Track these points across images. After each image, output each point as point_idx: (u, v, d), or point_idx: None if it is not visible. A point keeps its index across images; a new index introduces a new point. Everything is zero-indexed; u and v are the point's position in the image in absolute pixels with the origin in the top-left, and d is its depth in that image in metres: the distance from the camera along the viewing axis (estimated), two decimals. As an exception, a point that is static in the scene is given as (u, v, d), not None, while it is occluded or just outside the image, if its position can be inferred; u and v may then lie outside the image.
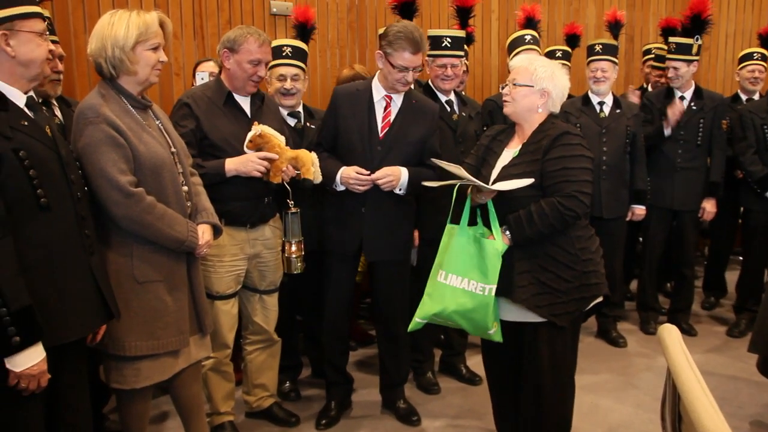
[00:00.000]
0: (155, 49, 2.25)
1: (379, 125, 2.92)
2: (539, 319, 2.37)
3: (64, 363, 2.00)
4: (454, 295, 2.36)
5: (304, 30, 3.59)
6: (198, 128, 2.71)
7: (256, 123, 2.74)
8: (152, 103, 2.38)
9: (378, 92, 2.94)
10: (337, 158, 2.90)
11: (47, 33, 1.99)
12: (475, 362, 3.70)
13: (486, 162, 2.55)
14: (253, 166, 2.70)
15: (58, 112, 2.75)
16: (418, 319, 2.45)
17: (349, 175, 2.84)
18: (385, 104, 2.94)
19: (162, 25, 2.28)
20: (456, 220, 2.46)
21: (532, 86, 2.43)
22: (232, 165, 2.70)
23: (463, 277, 2.36)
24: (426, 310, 2.41)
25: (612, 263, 4.06)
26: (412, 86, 3.65)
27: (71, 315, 1.96)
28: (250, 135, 2.72)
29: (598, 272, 2.43)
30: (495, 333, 2.42)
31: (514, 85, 2.46)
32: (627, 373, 3.74)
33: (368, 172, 2.85)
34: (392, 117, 2.93)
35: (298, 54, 3.34)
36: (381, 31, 3.65)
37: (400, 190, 2.90)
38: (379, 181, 2.84)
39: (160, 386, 2.45)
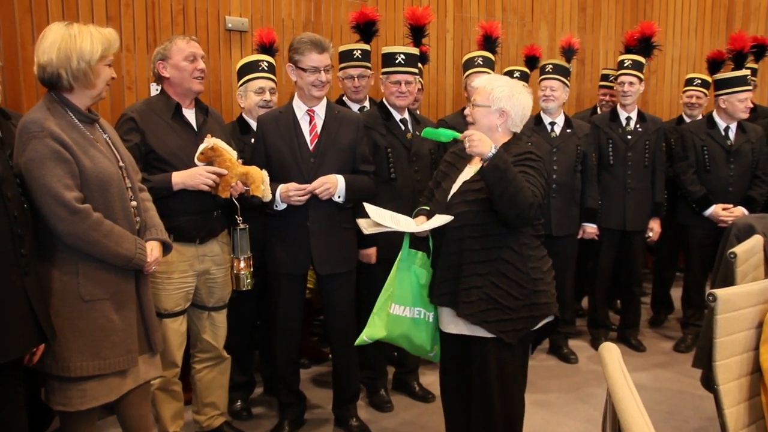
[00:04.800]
0: (110, 65, 2.27)
1: (308, 138, 2.98)
2: (488, 335, 2.40)
3: None
4: (397, 322, 2.51)
5: (269, 50, 3.63)
6: (143, 142, 2.68)
7: (209, 135, 2.73)
8: (99, 116, 2.35)
9: (300, 109, 3.01)
10: (273, 179, 2.91)
11: None
12: (428, 380, 3.71)
13: (448, 176, 2.59)
14: (201, 179, 2.68)
15: None
16: (365, 338, 2.55)
17: (288, 188, 2.88)
18: (309, 118, 3.01)
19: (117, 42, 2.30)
20: (412, 247, 2.59)
21: (489, 106, 2.47)
22: (179, 178, 2.68)
23: (406, 306, 2.52)
24: (373, 332, 2.53)
25: (563, 281, 4.13)
26: (367, 105, 3.73)
27: (1, 336, 1.90)
28: (201, 147, 2.70)
29: (548, 292, 2.45)
30: (435, 355, 2.62)
31: (474, 105, 2.50)
32: (577, 389, 3.79)
33: (305, 186, 2.88)
34: (319, 128, 3.00)
35: (272, 69, 3.48)
36: (340, 48, 3.74)
37: (339, 197, 2.95)
38: (317, 190, 2.88)
39: (106, 406, 2.39)
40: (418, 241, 2.59)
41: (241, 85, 3.45)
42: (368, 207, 2.52)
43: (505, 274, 2.38)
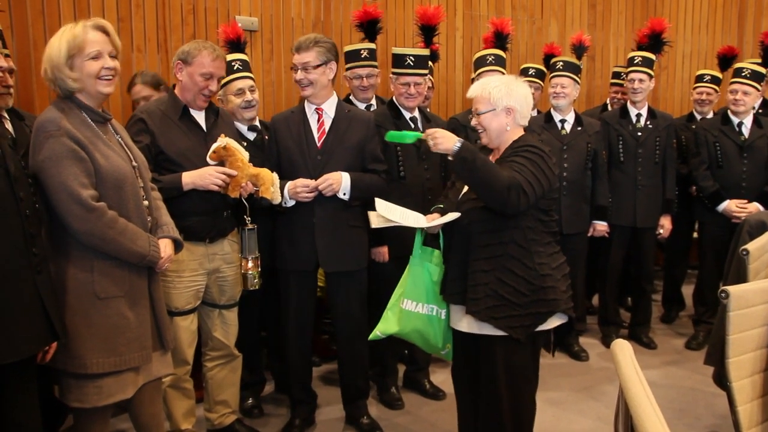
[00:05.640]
0: (96, 57, 2.19)
1: (316, 135, 3.01)
2: (496, 332, 2.39)
3: (7, 381, 1.97)
4: (409, 318, 2.56)
5: (237, 45, 3.60)
6: (153, 143, 2.69)
7: (222, 135, 2.74)
8: (111, 116, 2.36)
9: (309, 108, 3.04)
10: (283, 177, 2.94)
11: None
12: (439, 377, 3.72)
13: None
14: (211, 180, 2.69)
15: (9, 126, 2.69)
16: (378, 332, 2.61)
17: (296, 184, 2.90)
18: (318, 116, 3.02)
19: (104, 30, 2.23)
20: (427, 244, 2.63)
21: (494, 109, 2.46)
22: (189, 178, 2.69)
23: (418, 302, 2.56)
24: (387, 327, 2.61)
25: (573, 278, 4.09)
26: (374, 103, 3.73)
27: (12, 336, 1.93)
28: (214, 146, 2.72)
29: (556, 289, 2.42)
30: (447, 353, 2.65)
31: (478, 114, 2.50)
32: (588, 387, 3.78)
33: (309, 182, 2.90)
34: (327, 126, 3.02)
35: (246, 66, 3.40)
36: (346, 48, 3.74)
37: (344, 194, 2.95)
38: (321, 187, 2.89)
39: (119, 404, 2.40)
40: (430, 238, 2.61)
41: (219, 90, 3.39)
42: (378, 202, 2.56)
43: (511, 269, 2.37)
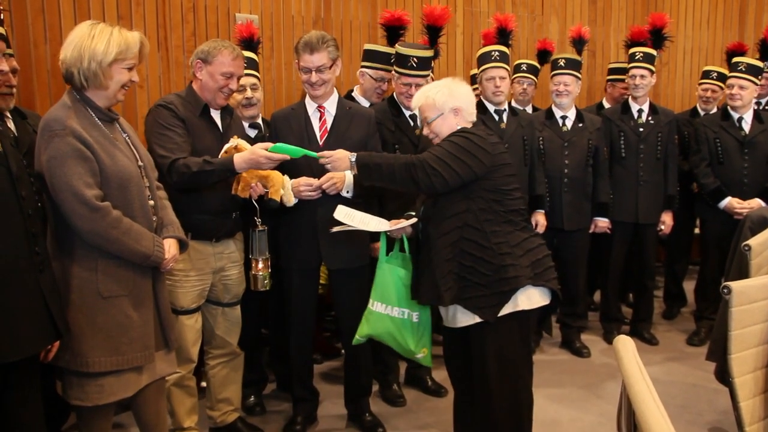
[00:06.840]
0: (130, 69, 2.25)
1: (318, 134, 3.00)
2: (477, 319, 2.41)
3: (10, 380, 1.97)
4: (380, 320, 2.63)
5: (250, 43, 3.58)
6: (187, 130, 2.69)
7: (235, 137, 2.75)
8: (119, 116, 2.37)
9: (310, 105, 3.03)
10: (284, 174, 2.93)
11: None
12: (441, 374, 3.71)
13: None
14: (261, 165, 2.64)
15: (11, 124, 2.70)
16: (358, 337, 2.70)
17: (299, 183, 2.89)
18: (320, 114, 3.02)
19: (143, 45, 2.29)
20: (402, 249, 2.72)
21: (442, 113, 2.54)
22: (243, 163, 2.64)
23: (386, 305, 2.62)
24: (362, 330, 2.68)
25: (575, 274, 4.14)
26: (371, 100, 3.71)
27: (15, 334, 1.93)
28: (226, 147, 2.73)
29: (517, 266, 2.39)
30: (424, 358, 2.67)
31: (428, 123, 2.56)
32: (591, 384, 3.79)
33: (313, 181, 2.90)
34: (329, 124, 3.01)
35: (253, 64, 3.40)
36: (367, 46, 3.73)
37: (347, 192, 2.95)
38: (325, 186, 2.89)
39: (121, 402, 2.41)
40: (400, 243, 2.69)
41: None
42: (339, 208, 2.64)
43: (470, 252, 2.40)
